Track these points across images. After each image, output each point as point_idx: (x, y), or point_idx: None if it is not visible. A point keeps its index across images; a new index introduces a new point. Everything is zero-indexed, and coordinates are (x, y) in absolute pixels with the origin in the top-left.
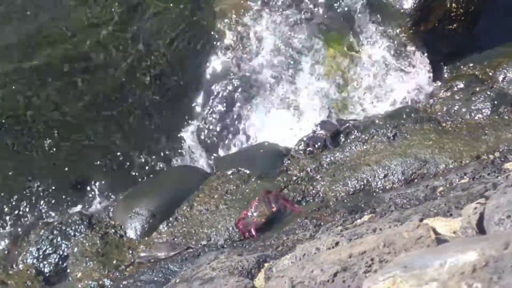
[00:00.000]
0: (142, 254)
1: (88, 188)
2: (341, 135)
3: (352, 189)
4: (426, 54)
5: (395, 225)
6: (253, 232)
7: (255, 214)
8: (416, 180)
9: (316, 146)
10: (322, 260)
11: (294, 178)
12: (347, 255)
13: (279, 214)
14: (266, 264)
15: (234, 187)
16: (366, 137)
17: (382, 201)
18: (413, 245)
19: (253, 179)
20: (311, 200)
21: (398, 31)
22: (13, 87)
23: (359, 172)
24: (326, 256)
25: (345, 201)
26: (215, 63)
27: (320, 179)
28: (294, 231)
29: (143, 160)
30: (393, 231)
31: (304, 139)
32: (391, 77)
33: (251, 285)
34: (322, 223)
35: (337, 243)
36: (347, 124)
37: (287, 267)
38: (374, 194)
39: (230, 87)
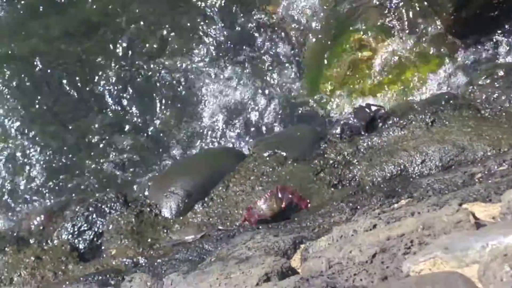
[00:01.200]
0: (173, 237)
1: (124, 166)
2: (377, 121)
3: (388, 174)
4: (466, 41)
5: (434, 209)
6: (253, 222)
7: (263, 206)
8: (453, 167)
9: (349, 133)
10: (360, 242)
11: (331, 161)
12: (385, 237)
13: (287, 211)
14: (302, 245)
15: (270, 169)
16: (404, 123)
17: (419, 187)
18: (452, 228)
19: (289, 162)
20: (347, 184)
21: (439, 16)
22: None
23: (396, 157)
24: (364, 238)
25: (382, 185)
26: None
27: (356, 163)
28: (330, 213)
29: (179, 140)
30: (432, 214)
31: (341, 123)
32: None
33: (287, 264)
34: (358, 207)
35: (374, 226)
36: (382, 111)
37: (324, 248)
38: (411, 179)
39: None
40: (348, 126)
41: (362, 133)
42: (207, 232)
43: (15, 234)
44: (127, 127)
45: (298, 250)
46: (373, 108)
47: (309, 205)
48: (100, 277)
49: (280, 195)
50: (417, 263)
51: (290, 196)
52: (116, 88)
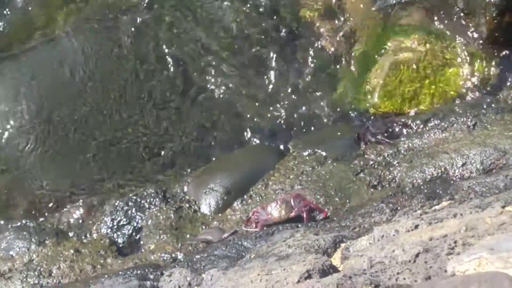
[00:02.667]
0: (199, 237)
1: (164, 162)
2: (396, 130)
3: (429, 176)
4: (509, 44)
5: (476, 211)
6: (258, 226)
7: (272, 212)
8: (494, 170)
9: (370, 139)
10: (403, 241)
11: (371, 162)
12: (428, 238)
13: (296, 219)
14: (342, 244)
15: (310, 169)
16: (446, 125)
17: (461, 189)
18: (495, 230)
19: (329, 161)
20: (387, 185)
21: (482, 20)
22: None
23: (437, 159)
24: (406, 238)
25: (422, 187)
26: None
27: (397, 164)
28: (370, 214)
29: (219, 137)
30: (475, 216)
31: (361, 130)
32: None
33: (328, 262)
34: (398, 208)
35: (416, 226)
36: (397, 125)
37: (365, 247)
38: (452, 182)
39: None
40: (365, 134)
41: (381, 140)
42: (228, 234)
43: (54, 227)
44: (167, 123)
45: (338, 249)
46: (393, 122)
47: (328, 214)
48: (139, 272)
49: (292, 203)
50: (462, 263)
51: (303, 207)
52: (155, 83)
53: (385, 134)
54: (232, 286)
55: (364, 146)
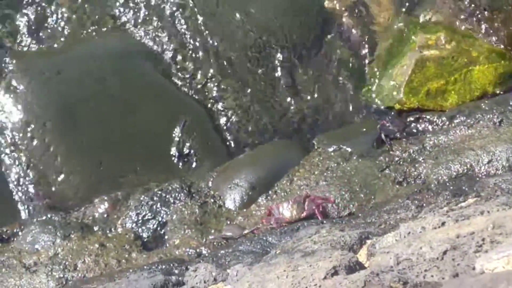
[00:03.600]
0: (221, 234)
1: (189, 157)
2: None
3: (454, 173)
4: None
5: (503, 209)
6: (272, 223)
7: (284, 212)
8: None
9: (385, 137)
10: (430, 238)
11: (396, 158)
12: (455, 235)
13: (308, 219)
14: (368, 241)
15: (335, 164)
16: (472, 122)
17: (487, 186)
18: None
19: (354, 157)
20: (412, 182)
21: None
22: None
23: (463, 156)
24: (433, 235)
25: (448, 184)
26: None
27: (422, 161)
28: (396, 210)
29: (244, 131)
30: (502, 214)
31: (378, 126)
32: None
33: (355, 259)
34: (424, 204)
35: (443, 223)
36: (424, 121)
37: (392, 243)
38: (477, 178)
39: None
40: (384, 129)
41: (391, 138)
42: (248, 230)
43: (79, 221)
44: (191, 119)
45: (364, 245)
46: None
47: (334, 200)
48: (163, 266)
49: (303, 204)
50: (490, 261)
51: (314, 207)
52: (179, 79)
53: (403, 132)
54: (258, 282)
55: (389, 143)
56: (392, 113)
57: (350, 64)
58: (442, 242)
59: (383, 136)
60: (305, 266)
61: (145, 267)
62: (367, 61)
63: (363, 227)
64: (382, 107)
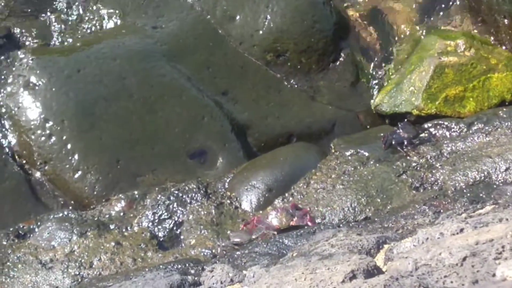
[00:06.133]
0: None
1: (206, 158)
2: (419, 139)
3: (471, 180)
4: None
5: None
6: (259, 232)
7: (273, 220)
8: None
9: (393, 143)
10: (449, 244)
11: (413, 164)
12: (474, 242)
13: (295, 228)
14: (385, 245)
15: (352, 169)
16: (489, 129)
17: (504, 194)
18: None
19: (371, 162)
20: (429, 188)
21: None
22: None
23: (480, 163)
24: (452, 241)
25: (465, 191)
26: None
27: (439, 167)
28: (413, 216)
29: (261, 135)
30: None
31: (387, 133)
32: None
33: (373, 263)
34: (441, 211)
35: (461, 230)
36: (426, 132)
37: (410, 249)
38: (495, 186)
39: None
40: (392, 137)
41: (404, 145)
42: (256, 235)
43: (96, 219)
44: (209, 119)
45: (381, 250)
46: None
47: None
48: (179, 266)
49: (291, 212)
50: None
51: (303, 214)
52: (200, 78)
53: (414, 139)
54: (276, 284)
55: (407, 148)
56: (406, 119)
57: (368, 70)
58: (462, 248)
59: (393, 142)
60: (323, 269)
61: (161, 266)
62: (385, 67)
63: (381, 231)
64: (400, 113)
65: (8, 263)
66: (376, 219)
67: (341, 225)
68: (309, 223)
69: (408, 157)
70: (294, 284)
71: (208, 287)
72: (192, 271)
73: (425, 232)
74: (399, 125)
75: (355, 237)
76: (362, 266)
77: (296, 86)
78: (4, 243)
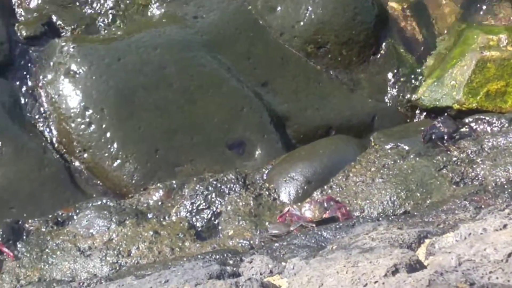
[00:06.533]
0: (264, 234)
1: (244, 149)
2: (459, 133)
3: None
4: None
5: None
6: (297, 224)
7: (305, 212)
8: None
9: (433, 138)
10: (492, 240)
11: (454, 158)
12: None
13: (328, 220)
14: (427, 240)
15: (392, 162)
16: None
17: None
18: None
19: (411, 156)
20: (470, 183)
21: None
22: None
23: None
24: (496, 237)
25: (506, 186)
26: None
27: (480, 162)
28: (453, 211)
29: (300, 126)
30: None
31: (427, 127)
32: None
33: (415, 257)
34: (483, 206)
35: (505, 226)
36: (466, 127)
37: (452, 244)
38: None
39: None
40: (432, 131)
41: (444, 140)
42: (294, 227)
43: (134, 207)
44: (248, 107)
45: (422, 245)
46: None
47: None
48: (217, 256)
49: (325, 205)
50: None
51: (336, 208)
52: (240, 69)
53: (454, 134)
54: (317, 276)
55: (447, 143)
56: (446, 114)
57: (409, 63)
58: (507, 244)
59: (433, 136)
60: (365, 262)
61: (199, 256)
62: (426, 61)
63: (421, 226)
64: (440, 107)
65: (47, 250)
66: (415, 213)
67: (380, 219)
68: (343, 217)
69: (448, 152)
70: (335, 276)
71: (247, 278)
72: (231, 262)
73: (467, 227)
74: (439, 119)
75: (396, 231)
76: (404, 260)
77: (336, 78)
78: (43, 230)
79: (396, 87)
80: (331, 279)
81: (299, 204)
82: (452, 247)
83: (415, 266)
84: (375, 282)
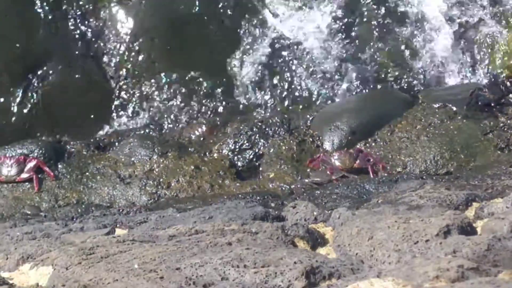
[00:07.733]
0: (305, 180)
1: (292, 92)
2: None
3: None
4: None
5: None
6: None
7: (336, 161)
8: None
9: (479, 103)
10: None
11: (501, 124)
12: None
13: (359, 171)
14: (474, 203)
15: (439, 121)
16: None
17: None
18: None
19: (459, 117)
20: None
21: None
22: None
23: None
24: None
25: None
26: None
27: None
28: (499, 176)
29: (349, 75)
30: None
31: (473, 92)
32: None
33: (467, 220)
34: None
35: None
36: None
37: (504, 210)
38: None
39: None
40: (478, 97)
41: (490, 106)
42: (336, 176)
43: (176, 140)
44: (299, 60)
45: (469, 207)
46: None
47: (386, 167)
48: (258, 198)
49: (355, 155)
50: None
51: (366, 159)
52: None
53: (499, 101)
54: (368, 229)
55: (497, 107)
56: (493, 79)
57: (462, 29)
58: None
59: (479, 102)
60: (416, 220)
61: (240, 195)
62: (478, 26)
63: (469, 189)
64: (491, 72)
65: (87, 173)
66: (458, 175)
67: (424, 177)
68: (371, 173)
69: (496, 117)
70: (386, 231)
71: (293, 223)
72: (272, 205)
73: None
74: (485, 84)
75: (444, 191)
76: (456, 222)
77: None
78: (85, 153)
79: (448, 50)
80: (381, 233)
81: (330, 152)
82: (506, 214)
83: (466, 229)
84: (427, 240)
